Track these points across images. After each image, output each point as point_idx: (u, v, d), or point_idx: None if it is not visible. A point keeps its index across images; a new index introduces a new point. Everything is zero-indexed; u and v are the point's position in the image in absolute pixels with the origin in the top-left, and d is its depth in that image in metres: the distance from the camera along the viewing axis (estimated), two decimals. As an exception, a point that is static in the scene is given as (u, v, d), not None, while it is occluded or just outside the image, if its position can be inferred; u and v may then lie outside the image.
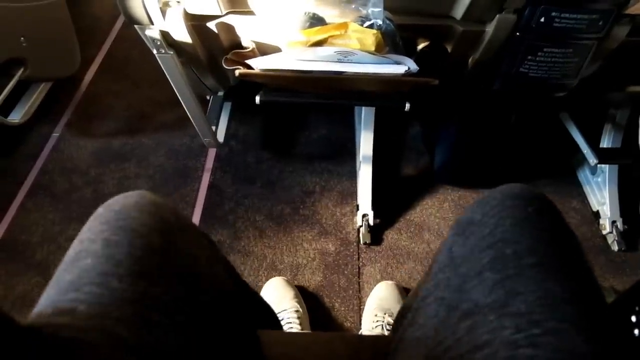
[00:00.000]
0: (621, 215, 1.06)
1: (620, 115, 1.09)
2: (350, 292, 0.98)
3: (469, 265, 0.40)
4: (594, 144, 1.02)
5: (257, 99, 0.85)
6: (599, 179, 1.11)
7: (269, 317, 0.71)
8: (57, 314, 0.33)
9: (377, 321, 0.91)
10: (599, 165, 1.09)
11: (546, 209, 0.42)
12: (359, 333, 0.94)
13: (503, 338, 0.34)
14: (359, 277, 1.00)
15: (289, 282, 0.95)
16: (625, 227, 1.05)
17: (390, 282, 0.99)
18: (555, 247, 0.39)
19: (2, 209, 1.10)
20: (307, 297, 0.95)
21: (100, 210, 0.41)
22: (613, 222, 1.05)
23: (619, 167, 1.09)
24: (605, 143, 1.12)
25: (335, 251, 1.03)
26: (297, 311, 0.88)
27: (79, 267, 0.35)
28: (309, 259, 1.02)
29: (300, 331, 0.86)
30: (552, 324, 0.33)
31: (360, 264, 1.02)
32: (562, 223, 0.42)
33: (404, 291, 0.99)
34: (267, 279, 0.97)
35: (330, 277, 0.99)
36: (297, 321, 0.86)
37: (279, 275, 0.98)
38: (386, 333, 0.91)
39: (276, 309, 0.88)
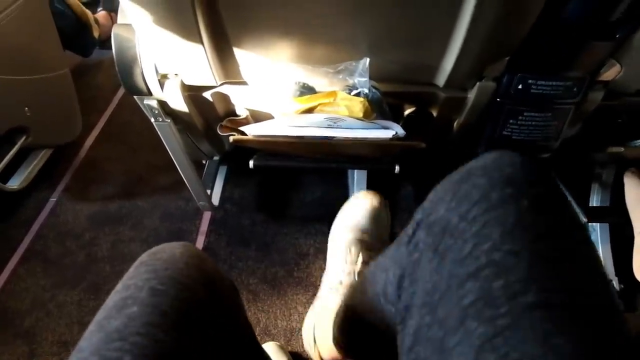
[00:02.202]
0: (616, 274, 1.05)
1: (606, 174, 1.12)
2: (346, 357, 0.95)
3: (448, 306, 0.30)
4: (583, 202, 1.04)
5: (251, 163, 0.87)
6: (591, 238, 1.11)
7: None
8: None
9: (351, 263, 0.77)
10: (590, 224, 1.09)
11: (551, 197, 0.32)
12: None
13: None
14: (354, 341, 0.97)
15: (283, 348, 0.93)
16: (622, 286, 1.04)
17: (373, 197, 0.84)
18: (569, 266, 0.29)
19: (-6, 275, 1.09)
20: (301, 364, 0.93)
21: (144, 257, 0.42)
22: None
23: (610, 226, 1.10)
24: (594, 201, 1.14)
25: (330, 314, 1.01)
26: (290, 379, 0.85)
27: (125, 314, 0.35)
28: (304, 322, 1.00)
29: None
30: None
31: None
32: (573, 217, 0.32)
33: (389, 214, 0.85)
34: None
35: (325, 342, 0.97)
36: (291, 389, 0.83)
37: (273, 341, 0.95)
38: (356, 276, 0.77)
39: (269, 377, 0.85)
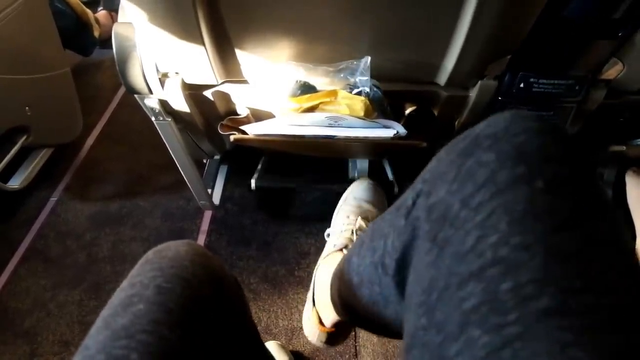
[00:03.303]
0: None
1: (608, 173, 1.12)
2: (347, 356, 0.95)
3: (448, 309, 0.26)
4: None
5: (252, 184, 0.92)
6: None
7: None
8: None
9: (349, 224, 0.82)
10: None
11: (574, 177, 0.26)
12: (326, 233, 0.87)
13: None
14: (355, 340, 0.97)
15: (284, 347, 0.92)
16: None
17: (371, 181, 0.93)
18: (591, 264, 0.24)
19: (-6, 275, 1.09)
20: (302, 363, 0.92)
21: (150, 255, 0.41)
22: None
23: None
24: (595, 200, 1.13)
25: (331, 314, 1.01)
26: (292, 378, 0.85)
27: (131, 312, 0.35)
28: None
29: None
30: None
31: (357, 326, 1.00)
32: (604, 203, 0.26)
33: (383, 193, 0.94)
34: (261, 345, 0.94)
35: (326, 342, 0.96)
36: (292, 389, 0.83)
37: (274, 340, 0.95)
38: (354, 238, 0.79)
39: (270, 376, 0.84)
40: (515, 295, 0.23)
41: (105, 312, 0.36)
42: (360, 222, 0.82)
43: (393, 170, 1.17)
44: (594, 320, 0.22)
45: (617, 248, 0.25)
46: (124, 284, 0.39)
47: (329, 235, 0.86)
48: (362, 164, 1.09)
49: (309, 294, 0.78)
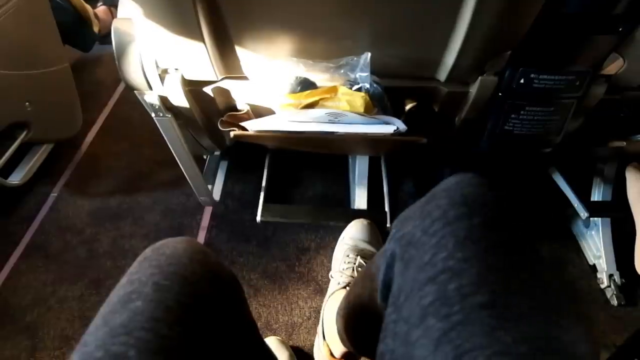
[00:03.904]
0: (618, 269, 1.05)
1: (608, 169, 1.12)
2: (347, 352, 0.95)
3: (411, 306, 0.35)
4: (584, 197, 1.04)
5: (258, 218, 1.01)
6: (593, 232, 1.11)
7: None
8: (109, 359, 0.32)
9: (349, 262, 0.91)
10: (591, 219, 1.09)
11: (500, 216, 0.36)
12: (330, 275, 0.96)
13: None
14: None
15: (284, 343, 0.93)
16: (623, 280, 1.04)
17: (365, 221, 1.00)
18: (511, 273, 0.34)
19: (-5, 271, 1.09)
20: (302, 359, 0.93)
21: (148, 252, 0.42)
22: (610, 276, 1.04)
23: (612, 220, 1.10)
24: (595, 196, 1.13)
25: (331, 309, 1.01)
26: (292, 373, 0.86)
27: (130, 309, 0.35)
28: (305, 317, 1.00)
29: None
30: None
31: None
32: (523, 235, 0.36)
33: (378, 232, 1.01)
34: (261, 340, 0.94)
35: (326, 337, 0.97)
36: (292, 384, 0.84)
37: (274, 335, 0.95)
38: (355, 275, 0.90)
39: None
40: (458, 293, 0.32)
41: (103, 309, 0.37)
42: (360, 260, 0.91)
43: (388, 172, 1.18)
44: (513, 313, 0.31)
45: (530, 263, 0.35)
46: (123, 281, 0.39)
47: (332, 276, 0.95)
48: (361, 196, 1.14)
49: (319, 328, 0.88)
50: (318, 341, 0.88)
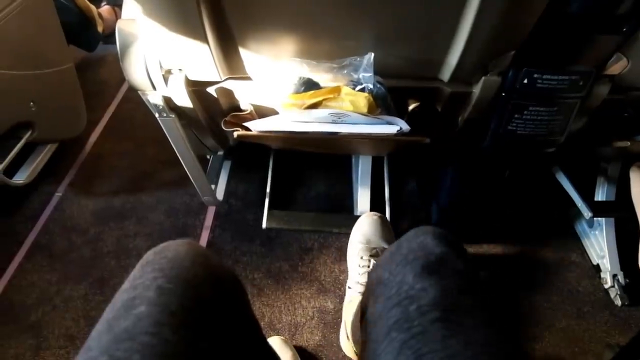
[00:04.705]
0: (622, 269, 1.05)
1: (611, 168, 1.11)
2: (350, 352, 0.95)
3: (379, 327, 0.42)
4: (588, 196, 1.04)
5: (264, 224, 1.03)
6: (597, 232, 1.11)
7: None
8: None
9: (364, 266, 0.93)
10: (595, 218, 1.09)
11: (449, 256, 0.45)
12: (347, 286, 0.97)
13: None
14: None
15: (287, 342, 0.93)
16: (627, 280, 1.04)
17: (375, 215, 1.01)
18: (460, 296, 0.41)
19: (0, 269, 1.09)
20: (306, 358, 0.93)
21: (150, 256, 0.42)
22: (614, 276, 1.04)
23: (616, 220, 1.09)
24: (599, 196, 1.13)
25: (334, 309, 1.01)
26: (295, 373, 0.86)
27: (133, 314, 0.35)
28: (308, 317, 1.00)
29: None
30: None
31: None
32: (467, 268, 0.44)
33: (389, 225, 1.01)
34: (264, 339, 0.95)
35: (329, 337, 0.97)
36: (296, 383, 0.84)
37: (277, 335, 0.96)
38: None
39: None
40: (419, 312, 0.40)
41: (107, 314, 0.37)
42: (373, 262, 0.92)
43: (390, 171, 1.18)
44: (462, 326, 0.39)
45: (474, 292, 0.43)
46: (125, 285, 0.39)
47: (350, 287, 0.96)
48: (364, 196, 1.13)
49: (342, 330, 0.94)
50: (343, 336, 0.93)
